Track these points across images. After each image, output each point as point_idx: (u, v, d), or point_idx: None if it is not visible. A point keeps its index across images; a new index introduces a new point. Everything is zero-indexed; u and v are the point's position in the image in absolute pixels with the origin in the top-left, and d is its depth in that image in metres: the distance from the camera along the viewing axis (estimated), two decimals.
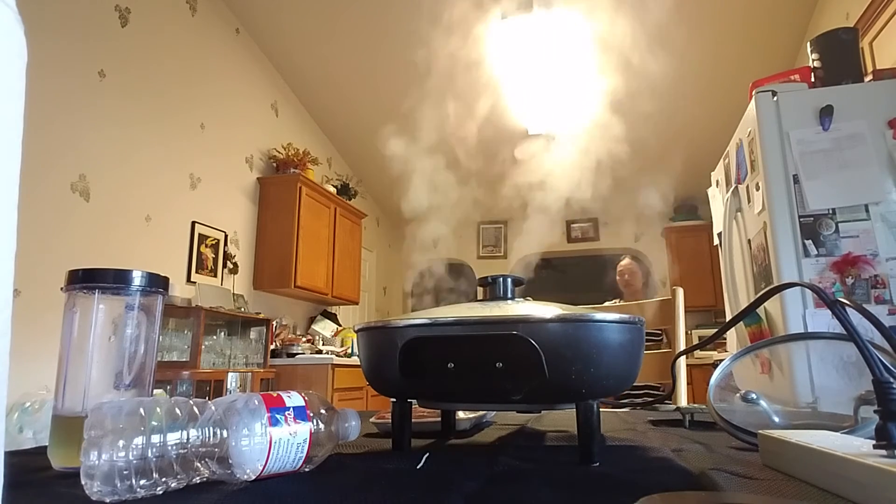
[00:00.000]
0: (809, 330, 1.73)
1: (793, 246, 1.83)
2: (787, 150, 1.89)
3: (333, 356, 3.74)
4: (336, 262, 4.48)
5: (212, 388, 2.95)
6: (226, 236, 3.66)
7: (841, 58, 1.98)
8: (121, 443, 0.36)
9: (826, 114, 1.87)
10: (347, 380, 3.76)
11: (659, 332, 2.62)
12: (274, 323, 3.78)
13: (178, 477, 0.39)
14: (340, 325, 4.69)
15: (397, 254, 6.40)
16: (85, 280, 0.51)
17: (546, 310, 0.54)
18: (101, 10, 2.81)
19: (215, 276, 3.53)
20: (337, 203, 4.57)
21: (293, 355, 3.75)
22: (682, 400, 1.36)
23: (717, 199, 2.62)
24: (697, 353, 4.13)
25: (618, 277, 3.15)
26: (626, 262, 3.16)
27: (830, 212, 1.82)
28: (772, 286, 0.60)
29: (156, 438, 0.37)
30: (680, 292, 1.54)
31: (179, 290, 3.12)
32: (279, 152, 4.17)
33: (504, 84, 3.85)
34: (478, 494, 0.39)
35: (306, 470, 0.46)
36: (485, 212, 5.81)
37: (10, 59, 0.24)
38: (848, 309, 0.48)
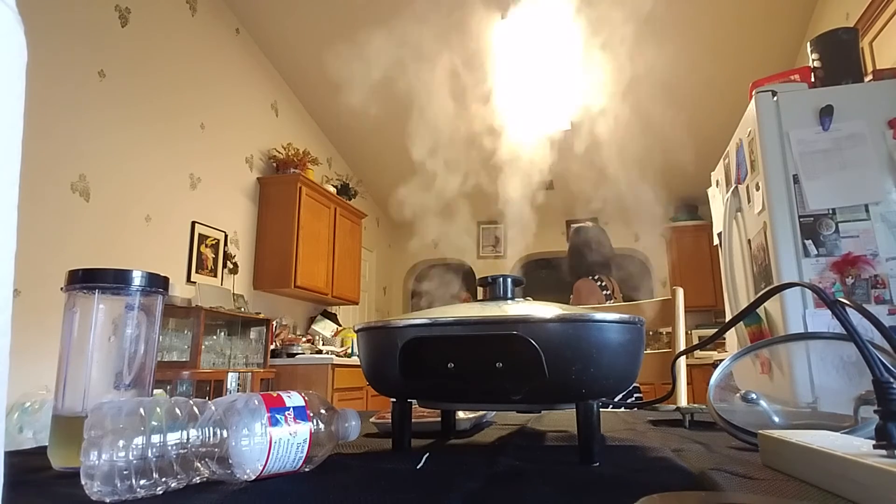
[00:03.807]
0: (809, 330, 1.73)
1: (793, 246, 1.83)
2: (787, 150, 1.89)
3: (333, 356, 3.74)
4: (336, 262, 4.48)
5: (212, 388, 2.95)
6: (226, 236, 3.66)
7: (841, 58, 1.98)
8: (121, 443, 0.36)
9: (826, 114, 1.87)
10: (347, 380, 3.76)
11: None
12: (274, 323, 3.78)
13: (178, 477, 0.39)
14: (340, 325, 4.69)
15: (397, 254, 6.40)
16: (85, 280, 0.51)
17: (546, 310, 0.54)
18: (101, 10, 2.82)
19: (215, 276, 3.53)
20: (337, 203, 4.57)
21: (293, 355, 3.75)
22: (682, 400, 1.36)
23: (717, 199, 2.62)
24: (697, 353, 4.13)
25: None
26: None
27: (830, 212, 1.82)
28: (772, 286, 0.60)
29: (156, 438, 0.37)
30: (680, 292, 1.54)
31: (179, 290, 3.12)
32: (279, 152, 4.17)
33: (504, 83, 3.85)
34: (478, 494, 0.39)
35: (306, 470, 0.46)
36: (484, 212, 5.81)
37: (10, 59, 0.24)
38: (848, 309, 0.48)
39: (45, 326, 2.23)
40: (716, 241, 2.58)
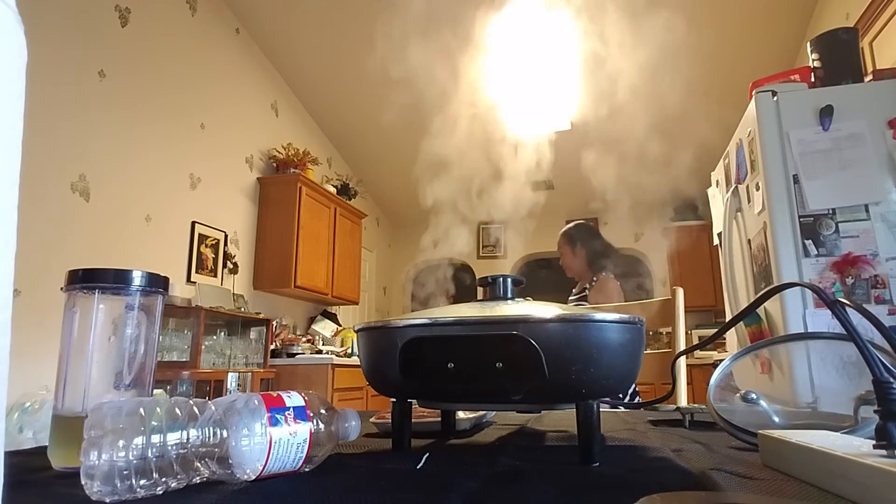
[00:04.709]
0: (809, 330, 1.73)
1: (793, 246, 1.83)
2: (787, 150, 1.89)
3: (333, 356, 3.74)
4: (336, 262, 4.48)
5: (212, 388, 2.95)
6: (226, 236, 3.66)
7: (841, 58, 1.98)
8: (121, 443, 0.36)
9: (826, 114, 1.87)
10: (347, 380, 3.76)
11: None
12: (274, 323, 3.78)
13: (178, 477, 0.39)
14: (340, 325, 4.69)
15: (397, 254, 6.40)
16: (85, 280, 0.51)
17: (546, 310, 0.54)
18: (101, 10, 2.82)
19: (215, 276, 3.53)
20: (337, 203, 4.57)
21: (293, 355, 3.75)
22: (682, 400, 1.36)
23: (717, 199, 2.62)
24: (697, 353, 4.13)
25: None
26: (559, 247, 2.80)
27: (830, 212, 1.82)
28: (772, 286, 0.60)
29: (156, 438, 0.37)
30: (680, 292, 1.54)
31: (179, 290, 3.12)
32: (279, 152, 4.17)
33: (504, 83, 3.85)
34: (478, 494, 0.39)
35: (306, 470, 0.46)
36: (485, 212, 5.81)
37: (10, 58, 0.24)
38: (848, 309, 0.48)
39: (45, 326, 2.23)
40: (716, 241, 2.58)
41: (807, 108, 1.90)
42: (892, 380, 0.40)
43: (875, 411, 0.40)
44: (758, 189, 1.99)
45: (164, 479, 0.38)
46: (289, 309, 4.36)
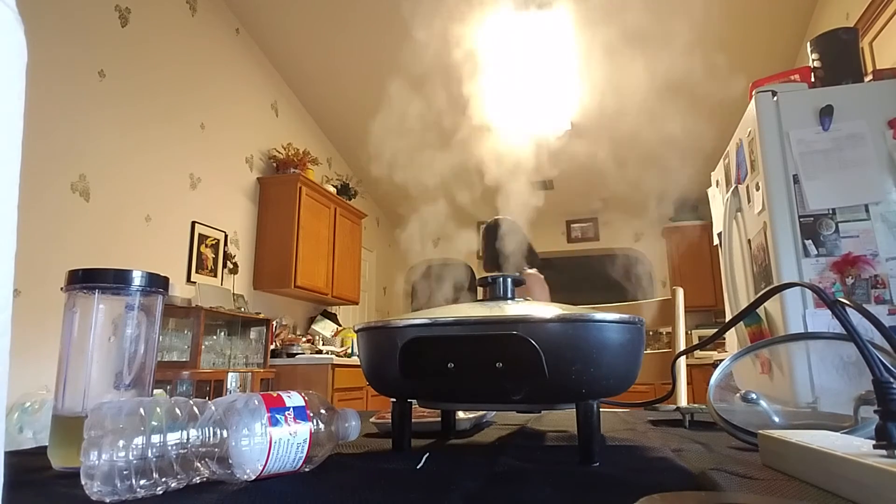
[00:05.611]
0: (809, 330, 1.73)
1: (793, 246, 1.83)
2: (787, 150, 1.89)
3: (333, 356, 3.74)
4: (336, 262, 4.48)
5: (212, 388, 2.95)
6: (226, 236, 3.66)
7: (841, 58, 1.98)
8: (121, 443, 0.36)
9: (826, 114, 1.87)
10: (347, 380, 3.76)
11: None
12: (274, 323, 3.77)
13: (178, 477, 0.39)
14: (340, 325, 4.69)
15: (397, 254, 6.40)
16: (85, 280, 0.51)
17: (546, 310, 0.54)
18: (101, 10, 2.81)
19: (215, 276, 3.53)
20: (337, 203, 4.57)
21: (293, 355, 3.75)
22: (682, 400, 1.36)
23: (717, 199, 2.62)
24: (697, 353, 4.13)
25: None
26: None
27: (830, 212, 1.82)
28: (772, 286, 0.60)
29: (156, 438, 0.37)
30: (680, 292, 1.53)
31: (179, 290, 3.12)
32: (279, 152, 4.17)
33: (505, 82, 3.85)
34: (478, 494, 0.39)
35: (306, 470, 0.46)
36: (485, 212, 5.80)
37: (10, 58, 0.24)
38: (848, 309, 0.48)
39: (45, 326, 2.23)
40: (716, 241, 2.58)
41: (807, 108, 1.90)
42: (892, 380, 0.40)
43: (875, 411, 0.40)
44: (758, 189, 1.99)
45: (164, 479, 0.38)
46: (289, 309, 4.36)
